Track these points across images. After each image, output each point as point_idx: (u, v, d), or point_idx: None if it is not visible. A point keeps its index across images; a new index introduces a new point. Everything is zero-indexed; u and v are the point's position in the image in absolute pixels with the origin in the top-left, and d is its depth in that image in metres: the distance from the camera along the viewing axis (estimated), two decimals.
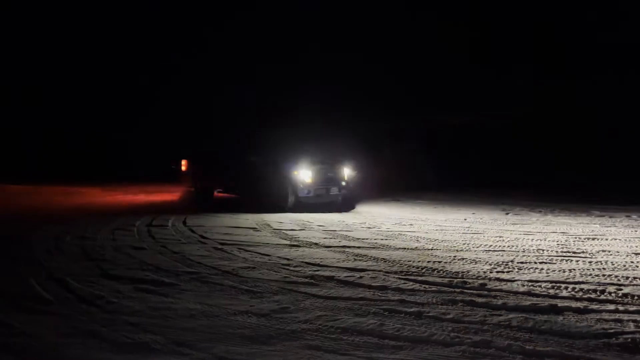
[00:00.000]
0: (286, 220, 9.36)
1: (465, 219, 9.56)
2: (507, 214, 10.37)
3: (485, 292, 4.64)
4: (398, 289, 4.74)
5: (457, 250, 6.55)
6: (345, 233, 7.89)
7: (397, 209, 11.42)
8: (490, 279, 5.08)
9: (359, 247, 6.73)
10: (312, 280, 5.05)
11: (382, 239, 7.34)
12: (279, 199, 10.74)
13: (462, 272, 5.37)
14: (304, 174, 10.70)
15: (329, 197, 11.18)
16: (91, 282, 5.06)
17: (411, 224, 8.88)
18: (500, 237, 7.56)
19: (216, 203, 12.30)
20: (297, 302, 4.37)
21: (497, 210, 11.12)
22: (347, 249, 6.61)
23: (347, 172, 11.60)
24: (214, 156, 12.25)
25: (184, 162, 13.05)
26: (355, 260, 5.98)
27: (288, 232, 8.07)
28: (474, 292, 4.66)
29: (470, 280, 5.02)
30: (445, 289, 4.76)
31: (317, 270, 5.46)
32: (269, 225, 8.79)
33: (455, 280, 5.04)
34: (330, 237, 7.59)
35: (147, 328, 3.78)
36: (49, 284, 4.96)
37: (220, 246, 6.88)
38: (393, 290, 4.69)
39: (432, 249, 6.64)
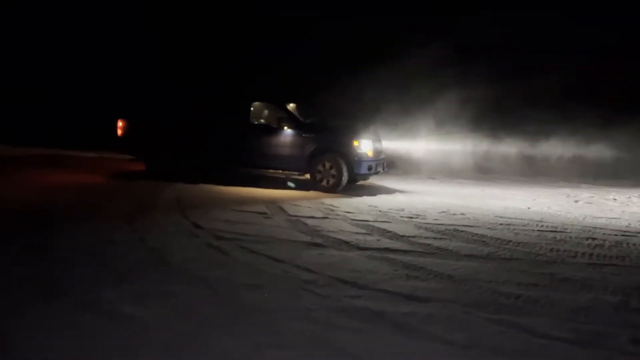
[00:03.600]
0: (304, 203, 7.49)
1: (529, 208, 7.60)
2: (576, 201, 8.39)
3: None
4: (501, 349, 2.86)
5: (550, 262, 4.64)
6: (382, 226, 5.99)
7: (437, 190, 9.46)
8: (638, 326, 3.18)
9: (407, 252, 4.84)
10: (355, 322, 3.19)
11: (435, 238, 5.44)
12: (328, 177, 8.62)
13: (584, 308, 3.47)
14: (365, 145, 8.62)
15: (375, 174, 9.18)
16: None
17: (463, 214, 6.96)
18: (592, 238, 5.62)
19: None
20: None
21: (559, 195, 9.15)
22: (391, 255, 4.72)
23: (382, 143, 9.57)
24: (202, 119, 9.37)
25: (122, 123, 9.62)
26: (408, 277, 4.09)
27: (307, 220, 6.20)
28: (632, 357, 2.78)
29: (608, 330, 3.12)
30: (577, 349, 2.88)
31: (357, 296, 3.59)
32: (281, 209, 6.93)
33: (583, 326, 3.15)
34: (364, 231, 5.71)
35: None
36: None
37: (217, 242, 5.03)
38: (494, 353, 2.82)
39: (511, 258, 4.74)
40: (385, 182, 10.17)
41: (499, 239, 5.50)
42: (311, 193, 8.54)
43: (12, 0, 16.75)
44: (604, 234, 5.89)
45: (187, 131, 9.37)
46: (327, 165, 8.65)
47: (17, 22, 17.01)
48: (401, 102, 13.72)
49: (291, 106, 9.36)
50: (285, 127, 8.86)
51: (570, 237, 5.65)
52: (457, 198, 8.46)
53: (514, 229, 6.03)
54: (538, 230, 6.00)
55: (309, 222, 6.13)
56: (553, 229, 6.09)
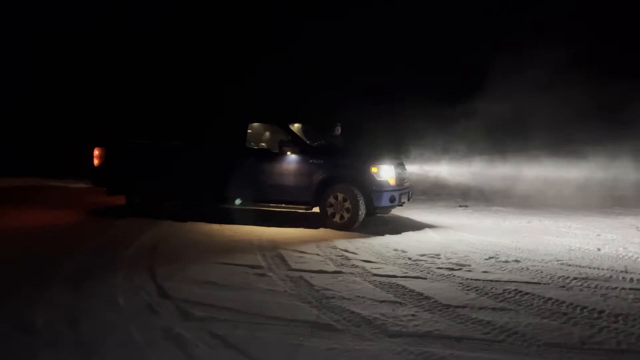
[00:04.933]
0: (311, 247, 5.95)
1: (599, 249, 5.95)
2: None
3: None
4: None
5: None
6: (415, 285, 4.41)
7: (474, 223, 7.85)
8: None
9: (460, 341, 3.24)
10: None
11: (494, 309, 3.83)
12: (341, 211, 7.10)
13: None
14: (386, 172, 7.13)
15: (399, 206, 7.58)
16: None
17: (518, 261, 5.34)
18: None
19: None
20: None
21: (626, 227, 7.47)
22: (437, 347, 3.13)
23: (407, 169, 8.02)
24: (191, 144, 8.09)
25: (99, 151, 8.18)
26: None
27: (314, 278, 4.64)
28: None
29: None
30: None
31: None
32: (282, 258, 5.38)
33: None
34: (392, 297, 4.12)
35: None
36: None
37: (182, 324, 3.50)
38: None
39: (621, 350, 3.11)
40: (409, 213, 8.59)
41: (584, 307, 3.87)
42: (321, 232, 7.01)
43: None
44: None
45: (172, 159, 7.96)
46: (340, 197, 7.13)
47: None
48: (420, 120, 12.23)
49: (296, 127, 7.89)
50: (289, 152, 7.38)
51: None
52: (502, 235, 6.84)
53: (596, 287, 4.40)
54: (631, 290, 4.35)
55: (316, 281, 4.57)
56: None
